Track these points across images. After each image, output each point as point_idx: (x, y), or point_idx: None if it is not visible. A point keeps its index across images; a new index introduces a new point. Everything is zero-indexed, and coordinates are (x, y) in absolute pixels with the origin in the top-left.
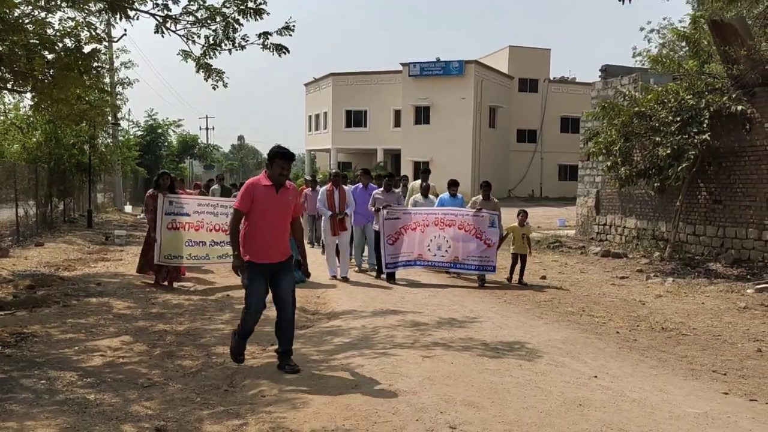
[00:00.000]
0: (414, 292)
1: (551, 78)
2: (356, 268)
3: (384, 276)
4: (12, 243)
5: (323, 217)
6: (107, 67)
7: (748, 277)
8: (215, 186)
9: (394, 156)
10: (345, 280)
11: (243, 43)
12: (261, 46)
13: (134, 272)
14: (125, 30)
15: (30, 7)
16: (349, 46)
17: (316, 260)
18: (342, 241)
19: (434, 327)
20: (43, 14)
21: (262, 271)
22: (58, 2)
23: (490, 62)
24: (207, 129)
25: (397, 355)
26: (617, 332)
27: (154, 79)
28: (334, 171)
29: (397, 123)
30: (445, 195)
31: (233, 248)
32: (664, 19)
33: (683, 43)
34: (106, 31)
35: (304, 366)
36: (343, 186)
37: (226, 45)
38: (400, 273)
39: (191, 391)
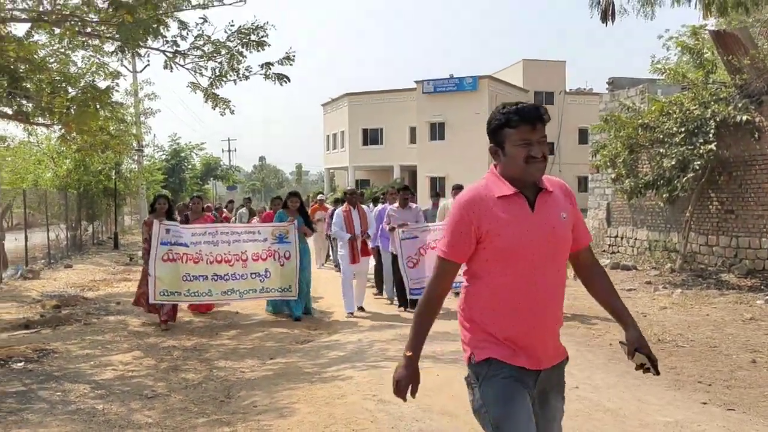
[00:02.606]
0: None
1: (567, 90)
2: (388, 300)
3: (408, 309)
4: (44, 265)
5: (339, 243)
6: (130, 98)
7: (762, 287)
8: (242, 209)
9: (411, 172)
10: (360, 309)
11: (246, 73)
12: (264, 76)
13: None
14: (148, 61)
15: (55, 47)
16: (365, 66)
17: (329, 277)
18: (361, 269)
19: (427, 341)
20: (66, 53)
21: (522, 382)
22: (75, 45)
23: (504, 76)
24: (229, 151)
25: (386, 368)
26: (610, 344)
27: (177, 105)
28: (349, 189)
29: (413, 140)
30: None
31: (411, 342)
32: (682, 26)
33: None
34: (131, 64)
35: (299, 379)
36: (362, 205)
37: (231, 76)
38: None
39: (190, 402)
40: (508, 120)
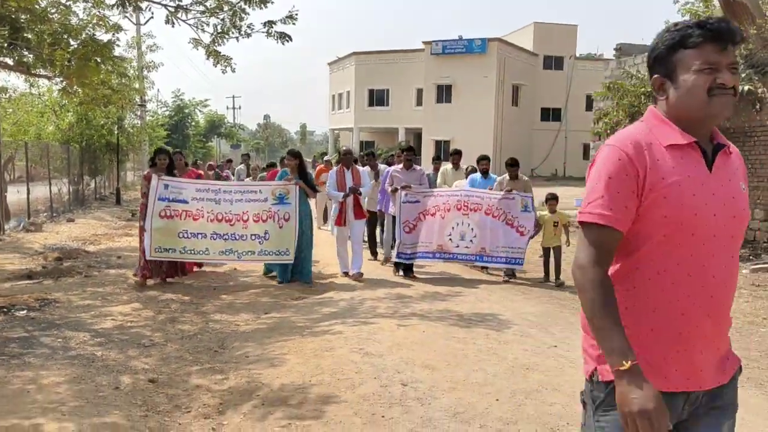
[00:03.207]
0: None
1: (577, 55)
2: (384, 260)
3: (401, 272)
4: (46, 219)
5: (333, 205)
6: (133, 51)
7: (751, 257)
8: (240, 166)
9: (416, 135)
10: (359, 277)
11: (249, 31)
12: (266, 34)
13: None
14: (152, 14)
15: None
16: (373, 25)
17: (326, 238)
18: (355, 231)
19: (417, 300)
20: (67, 4)
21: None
22: None
23: (514, 39)
24: (234, 108)
25: (375, 324)
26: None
27: (182, 60)
28: (344, 149)
29: (419, 102)
30: (476, 175)
31: (617, 345)
32: None
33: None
34: (134, 16)
35: (291, 332)
36: (356, 166)
37: (233, 33)
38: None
39: (185, 351)
40: (685, 37)
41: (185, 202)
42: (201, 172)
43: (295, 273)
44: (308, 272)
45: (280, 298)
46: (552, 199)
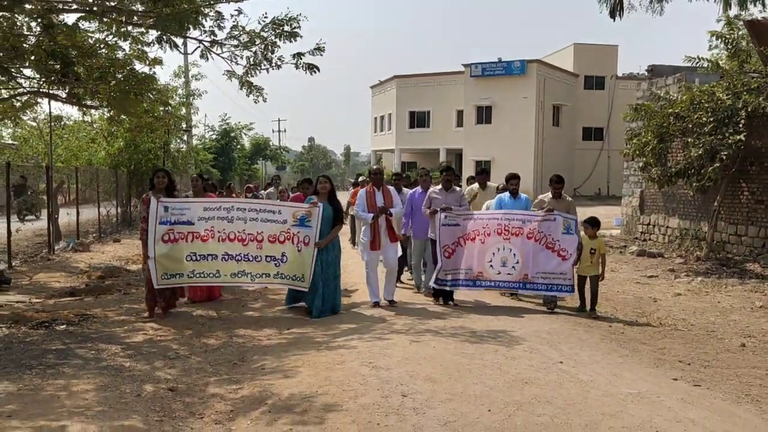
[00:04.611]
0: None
1: (619, 75)
2: (415, 289)
3: (441, 301)
4: (94, 239)
5: (362, 228)
6: (180, 79)
7: None
8: (271, 189)
9: (457, 155)
10: (391, 304)
11: (279, 63)
12: (294, 65)
13: None
14: (200, 42)
15: (104, 34)
16: (414, 50)
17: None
18: (389, 256)
19: (433, 317)
20: (114, 40)
21: None
22: (120, 33)
23: (554, 60)
24: (279, 131)
25: (388, 339)
26: (609, 326)
27: (229, 85)
28: (375, 167)
29: (460, 123)
30: (504, 195)
31: None
32: (718, 18)
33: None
34: (183, 47)
35: (309, 347)
36: (388, 186)
37: (264, 65)
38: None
39: (207, 363)
40: None
41: (190, 223)
42: (234, 195)
43: (325, 307)
44: (337, 304)
45: (304, 314)
46: (592, 225)
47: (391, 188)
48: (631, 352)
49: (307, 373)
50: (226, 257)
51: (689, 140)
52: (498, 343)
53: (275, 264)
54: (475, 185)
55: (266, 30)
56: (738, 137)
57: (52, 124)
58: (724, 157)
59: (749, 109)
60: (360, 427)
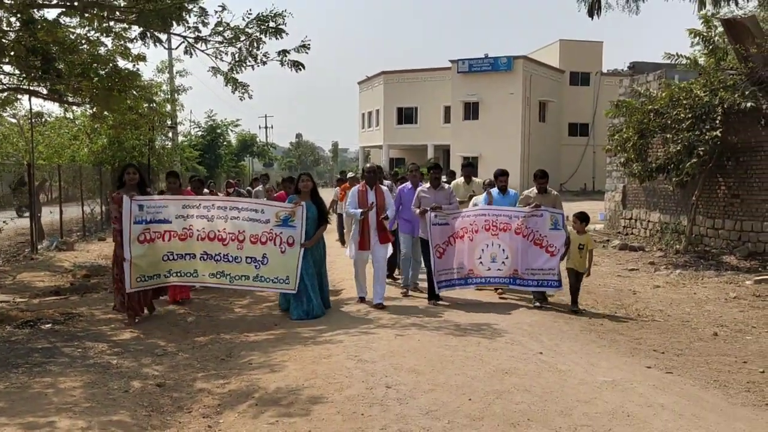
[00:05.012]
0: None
1: (604, 71)
2: (404, 289)
3: (433, 302)
4: (78, 238)
5: (353, 226)
6: (164, 75)
7: (759, 269)
8: (259, 188)
9: (445, 151)
10: (380, 307)
11: (264, 59)
12: (279, 62)
13: None
14: (184, 38)
15: (85, 30)
16: (401, 46)
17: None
18: (378, 256)
19: (419, 312)
20: (96, 36)
21: None
22: (102, 29)
23: (540, 57)
24: (266, 128)
25: (375, 334)
26: (589, 318)
27: (215, 82)
28: (368, 165)
29: (447, 119)
30: (493, 191)
31: None
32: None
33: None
34: (167, 42)
35: (296, 342)
36: (381, 185)
37: (249, 62)
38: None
39: (194, 360)
40: None
41: (167, 221)
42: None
43: (313, 308)
44: (327, 304)
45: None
46: (581, 220)
47: (384, 188)
48: (609, 343)
49: (293, 368)
50: (205, 257)
51: (668, 136)
52: (481, 335)
53: (255, 266)
54: (461, 179)
55: (251, 26)
56: (714, 133)
57: (33, 120)
58: (702, 153)
59: (725, 106)
60: (344, 417)
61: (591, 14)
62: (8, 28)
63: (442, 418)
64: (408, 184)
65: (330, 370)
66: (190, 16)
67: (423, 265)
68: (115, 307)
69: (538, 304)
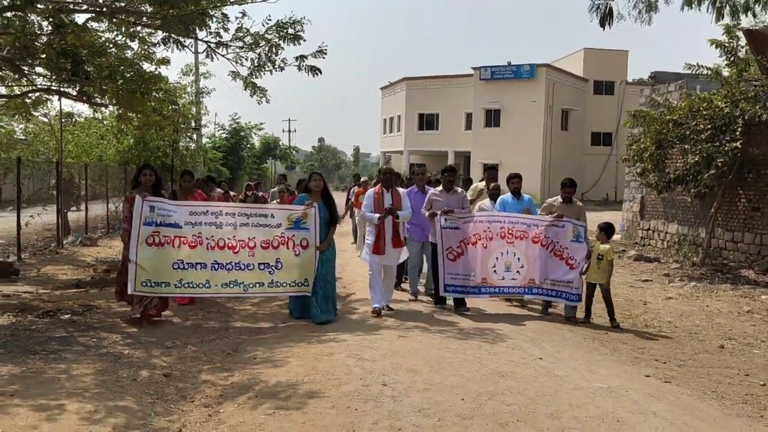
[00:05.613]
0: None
1: (629, 80)
2: (412, 296)
3: (439, 306)
4: (102, 235)
5: (367, 229)
6: (189, 77)
7: None
8: (274, 189)
9: (465, 158)
10: (387, 309)
11: (282, 65)
12: (297, 67)
13: None
14: (205, 43)
15: (113, 34)
16: (424, 53)
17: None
18: (390, 261)
19: (425, 315)
20: (123, 40)
21: None
22: (128, 34)
23: (564, 65)
24: (289, 131)
25: (378, 334)
26: (594, 326)
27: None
28: (385, 167)
29: (468, 126)
30: (507, 196)
31: None
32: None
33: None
34: (193, 46)
35: (301, 339)
36: (398, 189)
37: (268, 67)
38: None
39: (202, 353)
40: None
41: (177, 226)
42: (225, 194)
43: (323, 312)
44: (334, 309)
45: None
46: (606, 232)
47: (401, 190)
48: (611, 351)
49: (295, 363)
50: (216, 266)
51: (687, 147)
52: (483, 339)
53: (269, 272)
54: (482, 183)
55: (270, 32)
56: (734, 144)
57: (63, 120)
58: (720, 164)
59: (746, 117)
60: (338, 411)
61: (603, 25)
62: (40, 32)
63: (433, 415)
64: (414, 188)
65: (330, 366)
66: (211, 22)
67: (425, 269)
68: (118, 295)
69: (543, 313)
